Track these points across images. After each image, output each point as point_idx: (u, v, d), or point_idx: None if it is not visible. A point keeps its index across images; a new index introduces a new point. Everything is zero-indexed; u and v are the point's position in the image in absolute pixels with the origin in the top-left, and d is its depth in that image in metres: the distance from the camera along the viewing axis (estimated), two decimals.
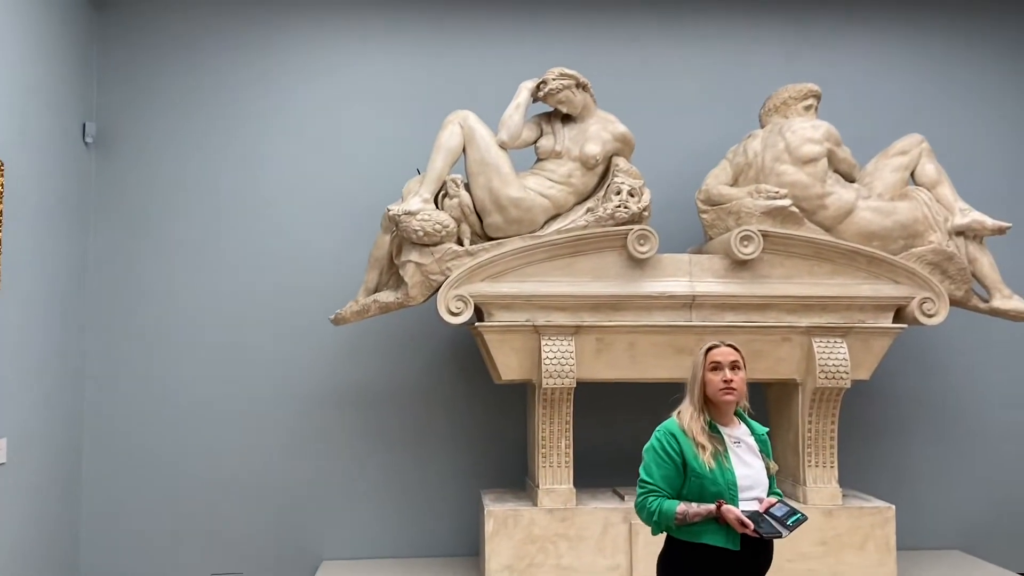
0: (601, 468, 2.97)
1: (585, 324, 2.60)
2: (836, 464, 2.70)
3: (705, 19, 3.23)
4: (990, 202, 2.84)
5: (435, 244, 2.58)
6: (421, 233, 2.54)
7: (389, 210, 2.55)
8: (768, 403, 2.96)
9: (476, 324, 2.60)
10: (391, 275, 2.68)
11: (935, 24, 3.27)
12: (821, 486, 2.69)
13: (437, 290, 2.60)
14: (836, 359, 2.65)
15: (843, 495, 2.72)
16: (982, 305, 2.75)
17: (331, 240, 3.04)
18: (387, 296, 2.65)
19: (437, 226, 2.55)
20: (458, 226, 2.61)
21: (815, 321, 2.66)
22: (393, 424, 3.06)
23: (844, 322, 2.67)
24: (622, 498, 2.71)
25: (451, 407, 3.08)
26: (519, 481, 2.98)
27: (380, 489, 3.05)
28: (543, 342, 2.60)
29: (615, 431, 3.02)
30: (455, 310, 2.54)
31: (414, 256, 2.59)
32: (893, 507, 2.68)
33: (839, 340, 2.66)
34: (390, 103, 3.11)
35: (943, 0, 3.28)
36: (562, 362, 2.58)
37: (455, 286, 2.57)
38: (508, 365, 2.64)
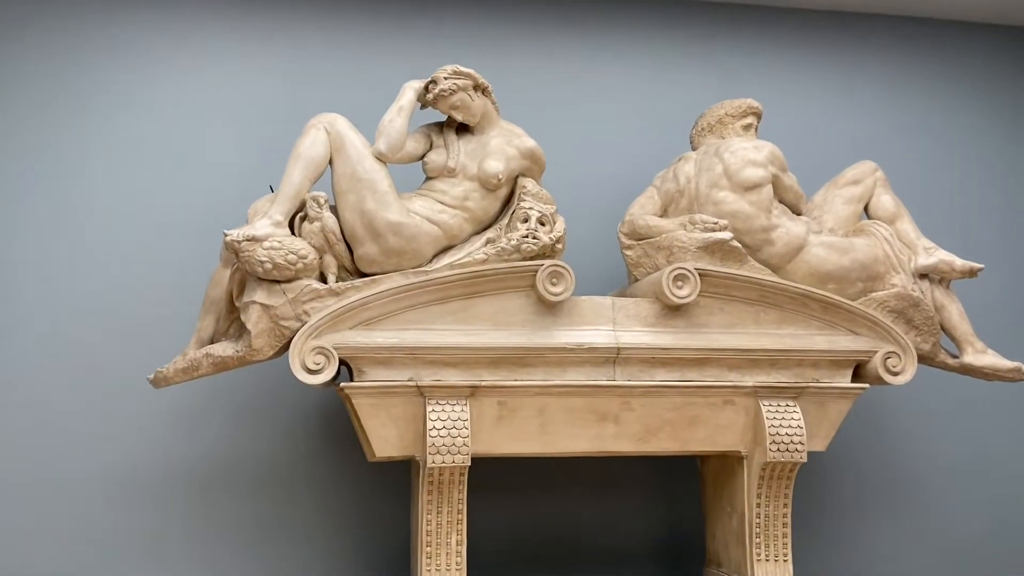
0: (505, 568, 2.33)
1: (483, 384, 1.98)
2: (791, 557, 2.13)
3: (629, 29, 2.73)
4: (952, 243, 2.38)
5: (288, 280, 1.92)
6: (269, 265, 1.88)
7: (227, 235, 1.88)
8: (705, 481, 2.39)
9: (342, 385, 1.93)
10: (232, 321, 2.00)
11: (889, 43, 2.86)
12: None
13: (291, 341, 1.93)
14: (789, 427, 2.10)
15: None
16: (951, 361, 2.26)
17: (164, 274, 2.33)
18: (224, 349, 1.96)
19: (291, 256, 1.89)
20: (320, 258, 1.97)
21: (763, 380, 2.12)
22: (239, 514, 2.34)
23: (796, 381, 2.13)
24: None
25: (317, 491, 2.39)
26: None
27: None
28: (429, 408, 1.95)
29: (522, 520, 2.39)
30: (314, 366, 1.88)
31: (260, 296, 1.93)
32: None
33: (791, 403, 2.12)
34: (247, 109, 2.46)
35: (897, 19, 2.87)
36: (453, 433, 1.94)
37: (314, 335, 1.91)
38: (384, 438, 1.98)
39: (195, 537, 2.31)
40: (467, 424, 1.96)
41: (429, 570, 1.96)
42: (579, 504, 2.49)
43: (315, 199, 1.96)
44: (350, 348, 1.95)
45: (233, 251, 1.88)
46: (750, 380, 2.13)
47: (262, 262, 1.87)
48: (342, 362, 1.96)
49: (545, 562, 2.42)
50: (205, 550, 2.31)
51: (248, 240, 1.86)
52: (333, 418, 2.37)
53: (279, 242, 1.89)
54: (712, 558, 2.34)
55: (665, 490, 2.56)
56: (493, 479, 2.38)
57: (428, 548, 1.97)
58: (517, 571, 2.35)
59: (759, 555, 2.12)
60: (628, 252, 2.31)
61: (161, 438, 2.32)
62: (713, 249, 2.16)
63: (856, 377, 2.21)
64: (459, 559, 1.97)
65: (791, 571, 2.12)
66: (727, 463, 2.25)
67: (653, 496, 2.56)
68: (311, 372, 1.90)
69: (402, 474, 2.34)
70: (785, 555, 2.13)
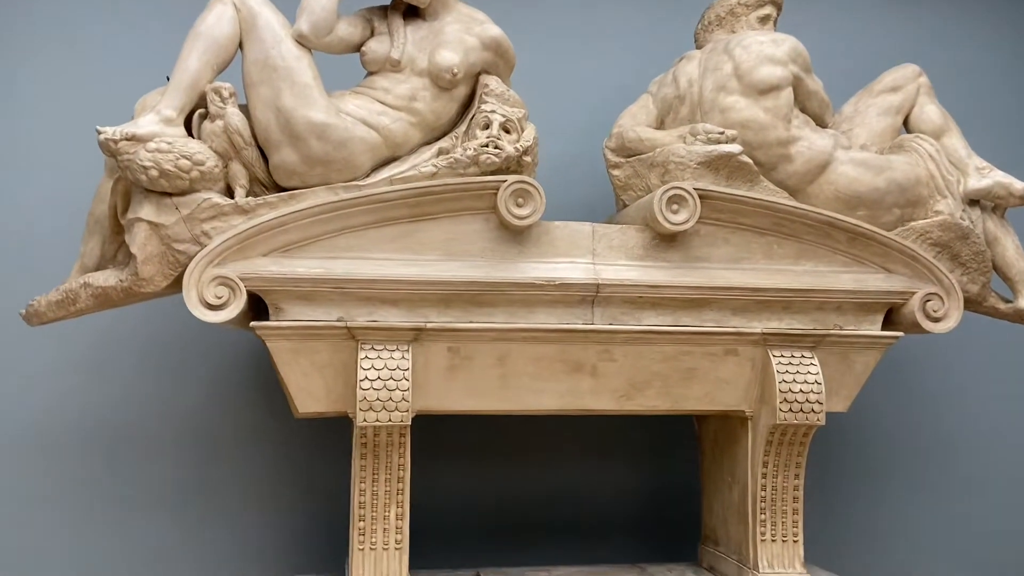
0: (460, 547, 1.96)
1: (431, 326, 1.58)
2: (801, 536, 1.74)
3: None
4: (1005, 164, 1.93)
5: (182, 193, 1.52)
6: (155, 173, 1.47)
7: (100, 132, 1.47)
8: (702, 446, 1.99)
9: (253, 325, 1.53)
10: (119, 244, 1.60)
11: None
12: (780, 572, 1.73)
13: None
14: (805, 382, 1.70)
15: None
16: (1003, 306, 1.85)
17: (51, 193, 1.93)
18: (106, 278, 1.56)
19: (183, 162, 1.48)
20: (225, 166, 1.55)
21: (773, 326, 1.71)
22: (151, 478, 1.97)
23: (815, 327, 1.72)
24: None
25: (249, 449, 2.01)
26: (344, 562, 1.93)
27: (122, 573, 1.95)
28: (362, 354, 1.56)
29: (482, 491, 2.03)
30: (215, 300, 1.48)
31: (147, 212, 1.52)
32: None
33: (807, 354, 1.71)
34: None
35: None
36: (391, 386, 1.55)
37: (216, 262, 1.51)
38: (308, 391, 1.59)
39: (93, 503, 1.95)
40: (408, 375, 1.56)
41: (362, 548, 1.59)
42: (551, 473, 2.12)
43: (217, 91, 1.54)
44: (262, 279, 1.54)
45: (109, 153, 1.47)
46: (758, 326, 1.72)
47: (146, 168, 1.46)
48: (253, 296, 1.55)
49: (509, 540, 2.05)
50: (108, 515, 1.95)
51: (128, 139, 1.45)
52: (268, 368, 1.99)
53: (167, 143, 1.47)
54: (708, 535, 1.96)
55: (654, 456, 2.18)
56: (446, 441, 2.00)
57: (361, 523, 1.60)
58: (474, 551, 1.99)
59: (763, 534, 1.73)
60: (615, 172, 1.88)
61: (65, 388, 1.95)
62: (718, 165, 1.74)
63: (888, 324, 1.80)
64: (399, 536, 1.60)
65: (801, 554, 1.74)
66: (728, 426, 1.85)
67: (640, 463, 2.19)
68: (212, 307, 1.50)
69: (347, 430, 1.96)
70: (795, 534, 1.74)
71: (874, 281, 1.77)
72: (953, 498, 2.27)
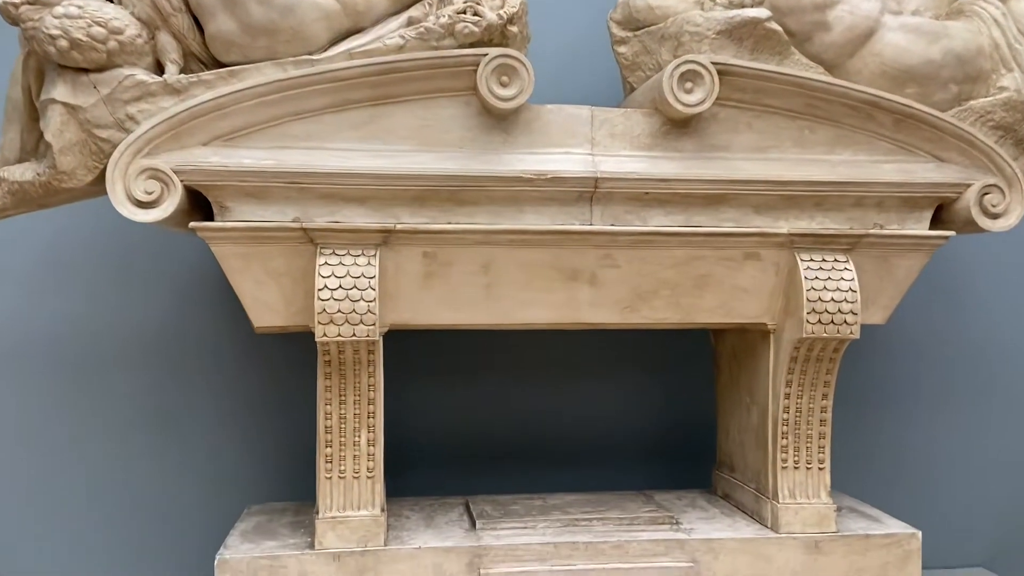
0: (448, 475, 1.78)
1: (402, 228, 1.35)
2: (828, 463, 1.53)
3: None
4: None
5: (100, 69, 1.27)
6: (64, 43, 1.23)
7: None
8: (718, 363, 1.77)
9: (192, 226, 1.31)
10: (40, 134, 1.36)
11: None
12: (803, 502, 1.52)
13: None
14: (838, 290, 1.45)
15: (836, 511, 1.55)
16: None
17: None
18: (23, 172, 1.34)
19: (96, 30, 1.23)
20: (151, 36, 1.30)
21: (803, 226, 1.46)
22: (103, 399, 1.80)
23: (851, 227, 1.46)
24: (473, 523, 1.51)
25: (206, 370, 1.82)
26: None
27: (79, 503, 1.80)
28: (321, 260, 1.33)
29: (472, 413, 1.83)
30: (145, 196, 1.26)
31: (61, 92, 1.29)
32: (918, 534, 1.52)
33: (841, 258, 1.46)
34: None
35: None
36: (354, 296, 1.33)
37: (145, 151, 1.28)
38: (264, 303, 1.38)
39: (42, 426, 1.78)
40: (374, 283, 1.34)
41: (330, 477, 1.40)
42: (549, 394, 1.91)
43: None
44: (202, 173, 1.31)
45: (10, 20, 1.22)
46: (785, 225, 1.47)
47: (54, 38, 1.22)
48: (195, 193, 1.32)
49: (503, 467, 1.86)
50: (59, 438, 1.78)
51: (30, 3, 1.20)
52: None
53: (78, 7, 1.23)
54: (724, 460, 1.76)
55: (665, 376, 1.97)
56: (431, 360, 1.79)
57: (328, 449, 1.40)
58: (465, 478, 1.81)
59: (785, 460, 1.52)
60: (621, 49, 1.60)
61: (8, 307, 1.76)
62: (741, 35, 1.46)
63: (937, 222, 1.53)
64: (371, 463, 1.40)
65: (828, 482, 1.53)
66: (748, 340, 1.62)
67: (649, 383, 1.97)
68: (141, 205, 1.27)
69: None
70: (821, 461, 1.53)
71: (923, 172, 1.50)
72: (1006, 423, 2.03)
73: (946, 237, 1.51)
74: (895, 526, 1.56)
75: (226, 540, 1.44)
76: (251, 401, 1.82)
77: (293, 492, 1.74)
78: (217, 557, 1.36)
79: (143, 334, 1.80)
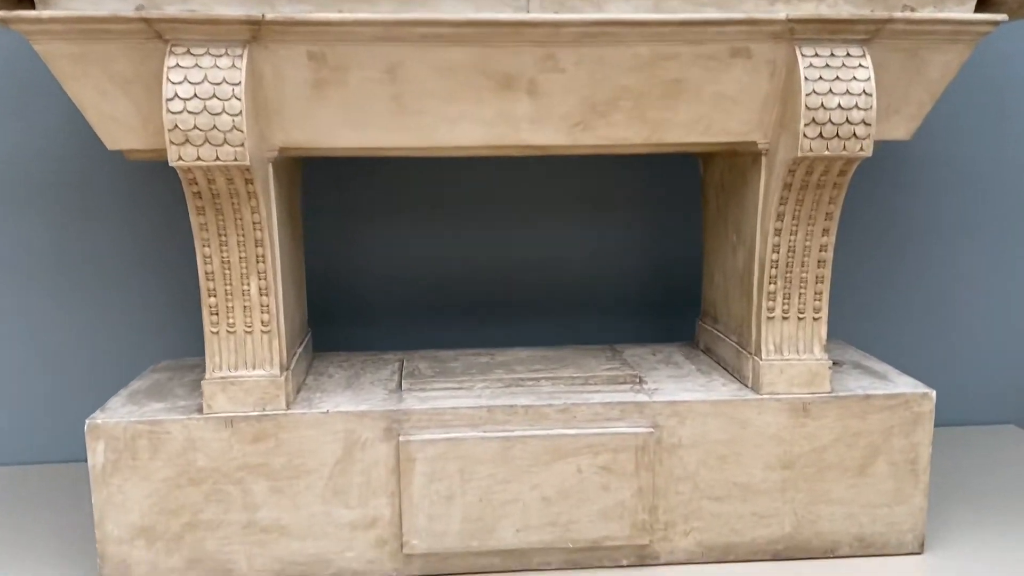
0: (383, 320, 1.54)
1: (275, 18, 1.04)
2: (825, 313, 1.24)
3: None
4: None
5: None
6: None
7: None
8: (705, 194, 1.47)
9: (5, 16, 1.00)
10: None
11: None
12: (791, 358, 1.25)
13: None
14: (848, 93, 1.11)
15: (834, 368, 1.29)
16: None
17: None
18: None
19: None
20: None
21: (806, 10, 1.10)
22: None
23: (870, 11, 1.10)
24: (400, 383, 1.28)
25: (111, 211, 1.57)
26: None
27: None
28: (172, 62, 1.02)
29: (410, 255, 1.57)
30: None
31: None
32: (932, 393, 1.26)
33: (857, 52, 1.11)
34: None
35: None
36: (215, 108, 1.03)
37: None
38: (115, 117, 1.10)
39: None
40: (239, 91, 1.04)
41: (216, 331, 1.16)
42: (506, 233, 1.64)
43: None
44: None
45: None
46: (782, 10, 1.11)
47: None
48: None
49: (450, 319, 1.62)
50: None
51: None
52: None
53: None
54: (708, 310, 1.48)
55: (644, 212, 1.66)
56: (357, 191, 1.51)
57: (212, 300, 1.15)
58: (404, 331, 1.56)
59: (772, 310, 1.24)
60: None
61: None
62: None
63: (983, 6, 1.15)
64: (266, 316, 1.16)
65: (823, 335, 1.25)
66: (738, 166, 1.30)
67: (624, 221, 1.67)
68: None
69: None
70: (816, 311, 1.25)
71: None
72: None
73: (995, 23, 1.14)
74: (904, 384, 1.29)
75: (108, 401, 1.22)
76: (170, 242, 1.57)
77: (189, 348, 1.51)
78: (88, 421, 1.15)
79: (42, 172, 1.53)
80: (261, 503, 1.19)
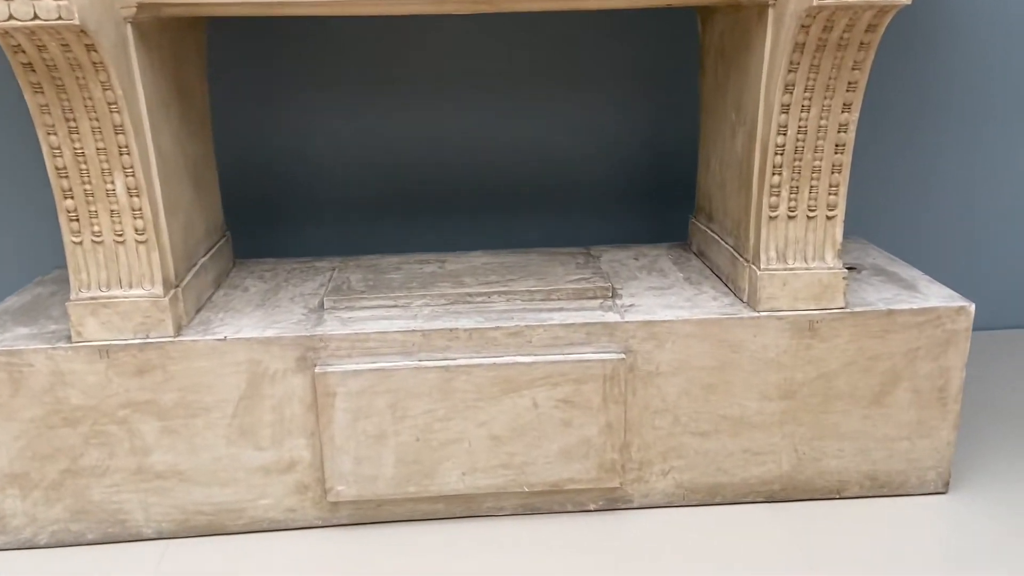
0: (320, 221, 1.31)
1: None
2: (842, 210, 0.98)
3: None
4: None
5: None
6: None
7: None
8: (704, 61, 1.20)
9: None
10: None
11: None
12: (797, 267, 1.01)
13: None
14: None
15: (850, 275, 1.04)
16: None
17: None
18: None
19: None
20: None
21: None
22: None
23: None
24: (322, 304, 1.05)
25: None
26: None
27: None
28: None
29: (374, 139, 1.32)
30: None
31: None
32: (970, 307, 1.01)
33: None
34: None
35: None
36: None
37: None
38: None
39: None
40: None
41: (79, 241, 0.93)
42: (462, 108, 1.36)
43: None
44: None
45: None
46: None
47: None
48: None
49: (401, 220, 1.37)
50: None
51: None
52: None
53: None
54: (702, 204, 1.24)
55: (632, 83, 1.38)
56: (276, 61, 1.23)
57: (68, 201, 0.91)
58: (345, 233, 1.32)
59: (775, 207, 0.99)
60: None
61: None
62: None
63: None
64: (141, 223, 0.92)
65: (838, 238, 0.99)
66: (740, 23, 1.02)
67: (608, 95, 1.39)
68: None
69: None
70: (831, 208, 0.99)
71: None
72: None
73: None
74: (936, 296, 1.04)
75: None
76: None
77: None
78: None
79: None
80: (153, 446, 0.98)
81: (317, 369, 0.98)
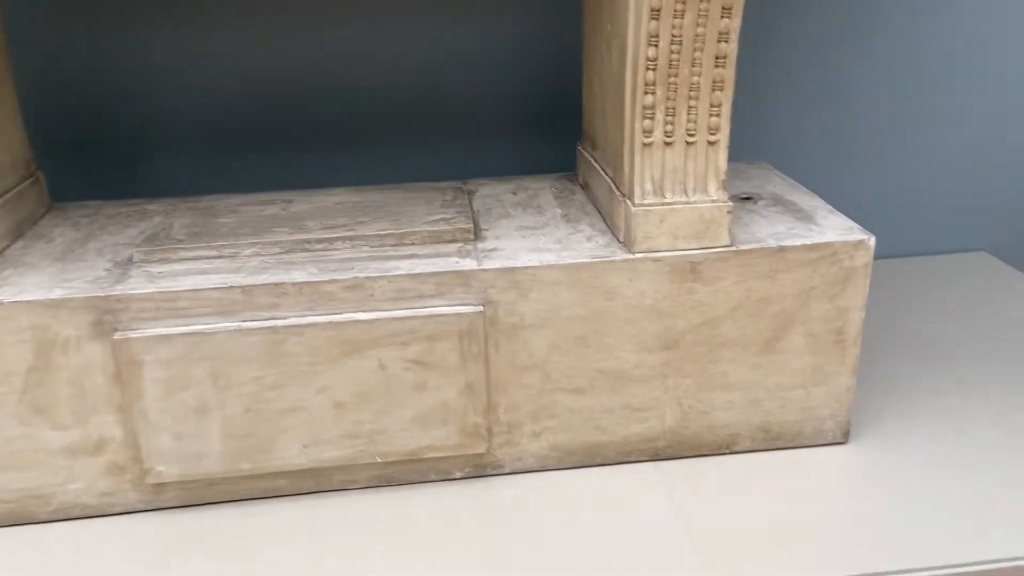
0: (175, 150, 1.14)
1: None
2: (725, 135, 0.85)
3: None
4: None
5: None
6: None
7: None
8: None
9: None
10: None
11: None
12: (675, 202, 0.88)
13: None
14: None
15: (737, 204, 0.92)
16: None
17: None
18: None
19: None
20: None
21: None
22: None
23: None
24: (132, 257, 0.89)
25: None
26: None
27: None
28: None
29: (235, 65, 1.13)
30: None
31: None
32: (869, 240, 0.90)
33: None
34: None
35: None
36: None
37: None
38: None
39: None
40: None
41: None
42: (328, 25, 1.18)
43: None
44: None
45: None
46: None
47: None
48: None
49: (258, 152, 1.20)
50: None
51: None
52: None
53: None
54: (587, 129, 1.10)
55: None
56: None
57: None
58: (202, 168, 1.14)
59: (649, 131, 0.85)
60: None
61: None
62: None
63: None
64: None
65: (722, 166, 0.87)
66: None
67: (484, 17, 1.21)
68: None
69: None
70: (713, 131, 0.86)
71: None
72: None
73: None
74: (832, 229, 0.93)
75: None
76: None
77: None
78: None
79: None
80: None
81: (117, 335, 0.83)
